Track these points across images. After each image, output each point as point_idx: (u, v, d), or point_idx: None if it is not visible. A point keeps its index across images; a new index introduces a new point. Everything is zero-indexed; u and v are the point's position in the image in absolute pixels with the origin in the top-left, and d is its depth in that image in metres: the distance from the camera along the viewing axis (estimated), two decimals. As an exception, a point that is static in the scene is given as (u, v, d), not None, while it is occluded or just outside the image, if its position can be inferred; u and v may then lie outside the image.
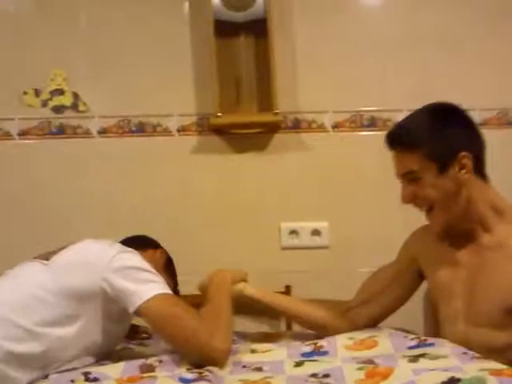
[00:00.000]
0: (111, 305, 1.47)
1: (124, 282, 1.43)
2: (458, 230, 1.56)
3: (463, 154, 1.46)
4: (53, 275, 1.47)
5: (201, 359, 1.38)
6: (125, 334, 1.64)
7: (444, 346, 1.39)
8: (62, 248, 1.56)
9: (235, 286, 1.69)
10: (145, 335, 1.80)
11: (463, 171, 1.47)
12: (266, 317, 2.24)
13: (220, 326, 1.44)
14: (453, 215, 1.51)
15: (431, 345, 1.41)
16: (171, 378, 1.28)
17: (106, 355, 1.54)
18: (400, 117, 2.28)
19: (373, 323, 1.68)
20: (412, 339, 1.46)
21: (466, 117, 1.54)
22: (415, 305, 2.12)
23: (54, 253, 1.54)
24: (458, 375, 1.16)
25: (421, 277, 1.70)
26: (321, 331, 1.65)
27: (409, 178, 1.51)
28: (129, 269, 1.46)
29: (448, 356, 1.32)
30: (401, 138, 1.52)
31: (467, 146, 1.48)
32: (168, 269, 1.77)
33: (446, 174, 1.47)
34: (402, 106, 2.30)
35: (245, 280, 1.76)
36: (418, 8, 2.36)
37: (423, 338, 1.46)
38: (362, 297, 1.72)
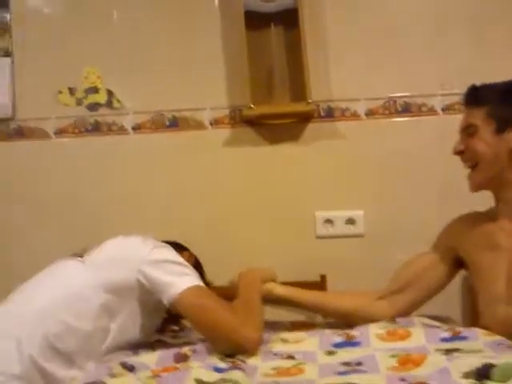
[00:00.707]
0: (148, 297, 1.50)
1: (159, 274, 1.47)
2: (499, 213, 1.57)
3: None
4: (89, 271, 1.51)
5: (232, 348, 1.40)
6: (157, 327, 1.67)
7: (478, 339, 1.38)
8: (96, 245, 1.60)
9: (264, 285, 1.70)
10: (176, 328, 1.81)
11: None
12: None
13: (251, 316, 1.47)
14: (493, 178, 1.54)
15: (465, 338, 1.39)
16: (205, 368, 1.30)
17: (140, 346, 1.57)
18: (435, 101, 2.29)
19: (406, 312, 1.67)
20: (445, 330, 1.45)
21: None
22: (453, 292, 2.11)
23: (89, 250, 1.58)
24: (492, 361, 1.14)
25: (458, 266, 1.68)
26: (353, 321, 1.65)
27: (468, 131, 1.57)
28: (164, 262, 1.50)
29: (482, 350, 1.31)
30: (473, 93, 1.59)
31: None
32: (197, 270, 1.79)
33: (501, 136, 1.52)
34: (435, 91, 2.28)
35: (274, 280, 1.77)
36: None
37: (457, 329, 1.44)
38: (395, 285, 1.71)
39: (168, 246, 1.59)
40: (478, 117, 1.54)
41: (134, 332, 1.54)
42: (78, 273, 1.52)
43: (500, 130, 1.51)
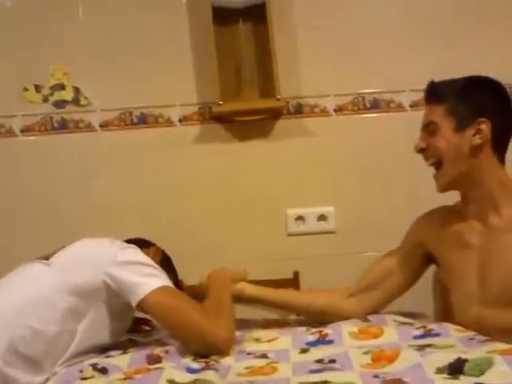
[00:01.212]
0: (115, 299, 1.49)
1: (126, 275, 1.45)
2: (468, 212, 1.56)
3: (483, 119, 1.50)
4: (55, 274, 1.49)
5: (205, 349, 1.39)
6: (126, 329, 1.65)
7: (450, 336, 1.39)
8: (61, 248, 1.57)
9: (235, 285, 1.69)
10: (147, 328, 1.80)
11: (477, 136, 1.50)
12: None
13: (223, 316, 1.46)
14: (459, 178, 1.53)
15: (437, 335, 1.40)
16: (178, 369, 1.28)
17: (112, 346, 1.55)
18: (403, 97, 2.30)
19: (376, 309, 1.67)
20: (417, 328, 1.45)
21: (501, 91, 1.57)
22: (425, 288, 2.12)
23: (54, 253, 1.55)
24: (464, 356, 1.15)
25: (427, 262, 1.69)
26: (324, 319, 1.64)
27: (429, 129, 1.56)
28: (131, 263, 1.48)
29: (455, 345, 1.32)
30: (433, 90, 1.58)
31: (491, 115, 1.50)
32: (165, 265, 1.77)
33: (461, 134, 1.50)
34: (404, 87, 2.30)
35: (245, 279, 1.76)
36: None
37: (429, 327, 1.44)
38: (364, 283, 1.72)
39: (135, 247, 1.58)
40: (438, 114, 1.53)
41: (102, 334, 1.51)
42: (43, 276, 1.50)
43: (460, 127, 1.51)
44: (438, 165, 1.56)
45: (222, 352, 1.38)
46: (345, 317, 1.62)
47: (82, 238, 1.61)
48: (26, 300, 1.44)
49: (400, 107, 2.31)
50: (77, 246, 1.57)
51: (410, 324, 1.51)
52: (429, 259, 1.68)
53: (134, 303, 1.44)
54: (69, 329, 1.45)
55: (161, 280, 1.46)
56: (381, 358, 1.24)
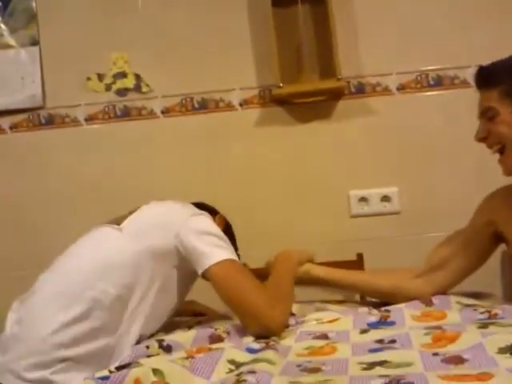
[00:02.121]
0: (184, 264, 1.49)
1: (196, 243, 1.46)
2: None
3: None
4: (127, 238, 1.50)
5: (258, 328, 1.39)
6: (185, 295, 1.66)
7: None
8: (131, 212, 1.58)
9: (301, 266, 1.69)
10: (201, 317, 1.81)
11: None
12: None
13: (281, 298, 1.46)
14: None
15: (502, 318, 1.35)
16: (238, 348, 1.29)
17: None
18: (468, 73, 2.23)
19: (443, 289, 1.63)
20: (482, 312, 1.41)
21: None
22: (493, 267, 2.06)
23: (125, 217, 1.56)
24: (529, 337, 1.11)
25: (496, 241, 1.63)
26: (392, 300, 1.62)
27: (487, 116, 1.49)
28: (201, 231, 1.49)
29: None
30: (484, 74, 1.52)
31: None
32: (227, 233, 1.79)
33: None
34: (469, 62, 2.22)
35: (312, 261, 1.75)
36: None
37: (494, 311, 1.39)
38: (432, 263, 1.67)
39: (206, 214, 1.58)
40: (494, 99, 1.47)
41: (170, 298, 1.53)
42: (115, 241, 1.51)
43: None
44: (502, 149, 1.50)
45: (273, 334, 1.38)
46: (412, 297, 1.58)
47: (151, 202, 1.62)
48: (100, 265, 1.46)
49: (465, 83, 2.25)
50: (148, 211, 1.58)
51: (475, 308, 1.46)
52: (498, 238, 1.62)
53: (199, 271, 1.46)
54: (141, 292, 1.47)
55: (228, 252, 1.47)
56: (441, 338, 1.21)
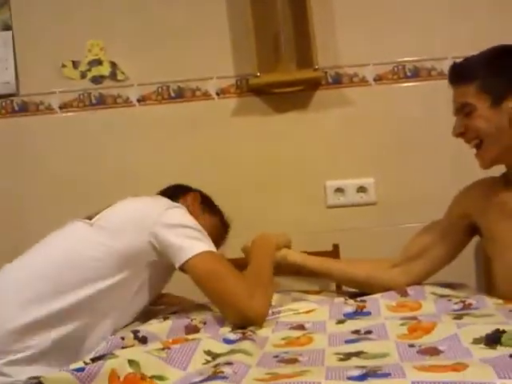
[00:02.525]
0: (160, 259, 1.48)
1: (172, 237, 1.45)
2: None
3: None
4: (100, 234, 1.49)
5: (238, 319, 1.39)
6: (162, 289, 1.67)
7: (489, 307, 1.36)
8: (105, 208, 1.58)
9: (279, 251, 1.69)
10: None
11: None
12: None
13: (260, 287, 1.45)
14: (502, 152, 1.48)
15: (476, 309, 1.37)
16: (215, 339, 1.29)
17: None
18: (445, 65, 2.23)
19: (419, 280, 1.65)
20: (456, 303, 1.43)
21: None
22: (467, 258, 2.08)
23: (97, 213, 1.56)
24: (502, 327, 1.12)
25: (471, 233, 1.65)
26: (368, 289, 1.63)
27: (464, 111, 1.50)
28: (177, 225, 1.47)
29: (493, 314, 1.29)
30: (459, 70, 1.52)
31: None
32: (206, 206, 1.77)
33: (499, 108, 1.45)
34: (446, 54, 2.23)
35: (289, 246, 1.76)
36: None
37: (468, 301, 1.42)
38: (409, 252, 1.68)
39: (180, 206, 1.57)
40: (470, 94, 1.47)
41: (146, 293, 1.53)
42: (84, 235, 1.51)
43: (496, 102, 1.45)
44: (479, 144, 1.51)
45: (254, 325, 1.38)
46: (387, 287, 1.59)
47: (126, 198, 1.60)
48: (67, 258, 1.46)
49: (442, 75, 2.25)
50: (120, 206, 1.57)
51: (449, 298, 1.48)
52: (473, 230, 1.64)
53: (177, 265, 1.45)
54: (112, 287, 1.46)
55: (205, 244, 1.46)
56: (417, 328, 1.22)
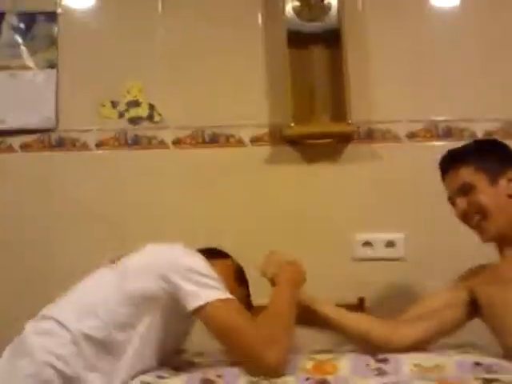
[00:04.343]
0: (175, 305, 1.45)
1: (183, 282, 1.42)
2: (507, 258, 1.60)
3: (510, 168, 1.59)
4: (117, 278, 1.49)
5: (255, 369, 1.35)
6: (188, 332, 1.64)
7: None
8: (130, 253, 1.58)
9: (303, 296, 1.63)
10: None
11: None
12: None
13: (280, 334, 1.40)
14: (504, 226, 1.57)
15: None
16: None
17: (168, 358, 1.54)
18: (477, 127, 2.26)
19: (426, 340, 1.59)
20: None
21: (507, 148, 1.65)
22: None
23: (122, 256, 1.57)
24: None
25: (474, 311, 1.64)
26: (370, 345, 1.57)
27: (464, 190, 1.60)
28: (189, 270, 1.44)
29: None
30: (452, 157, 1.65)
31: None
32: (238, 278, 1.75)
33: (496, 185, 1.58)
34: (479, 116, 2.25)
35: (304, 281, 1.67)
36: (496, 10, 2.32)
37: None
38: (418, 310, 1.67)
39: (198, 254, 1.53)
40: (468, 174, 1.59)
41: (161, 339, 1.49)
42: (105, 280, 1.52)
43: (493, 180, 1.58)
44: (481, 219, 1.59)
45: (273, 377, 1.33)
46: (394, 346, 1.53)
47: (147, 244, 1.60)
48: (88, 303, 1.46)
49: (473, 137, 2.26)
50: (139, 251, 1.57)
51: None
52: (475, 309, 1.63)
53: (188, 309, 1.41)
54: (124, 334, 1.44)
55: (218, 292, 1.42)
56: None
